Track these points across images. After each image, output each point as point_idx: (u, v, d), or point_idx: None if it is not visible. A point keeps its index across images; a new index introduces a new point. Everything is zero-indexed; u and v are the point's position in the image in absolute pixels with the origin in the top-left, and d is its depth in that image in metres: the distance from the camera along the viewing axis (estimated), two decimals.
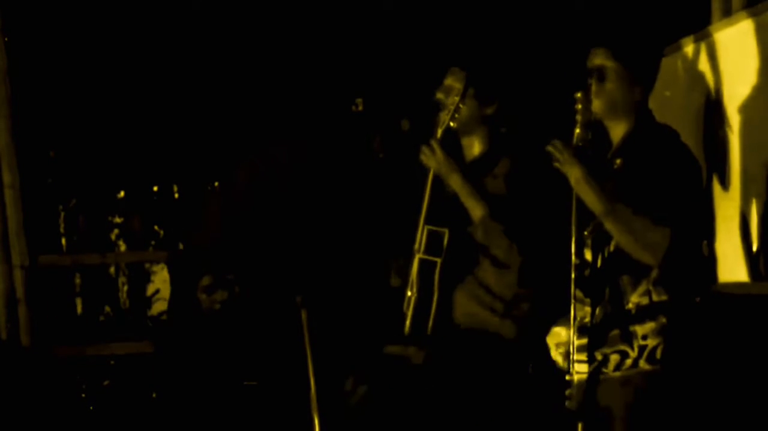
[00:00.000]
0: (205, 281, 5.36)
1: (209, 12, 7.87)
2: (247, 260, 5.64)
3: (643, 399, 3.86)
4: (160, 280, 10.49)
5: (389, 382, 4.66)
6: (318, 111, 6.58)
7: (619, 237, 3.80)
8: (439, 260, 4.60)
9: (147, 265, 10.62)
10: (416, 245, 4.64)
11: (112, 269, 10.46)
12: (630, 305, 3.86)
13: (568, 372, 3.89)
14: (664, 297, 3.84)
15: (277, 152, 6.40)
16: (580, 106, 3.82)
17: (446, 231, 4.59)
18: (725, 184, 4.67)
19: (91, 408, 8.48)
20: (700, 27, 4.99)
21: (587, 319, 3.86)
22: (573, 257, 3.83)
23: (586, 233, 3.87)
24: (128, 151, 8.96)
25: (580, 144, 3.80)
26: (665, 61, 5.08)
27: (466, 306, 4.62)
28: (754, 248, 4.51)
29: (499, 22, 7.35)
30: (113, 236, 10.50)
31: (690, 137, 4.40)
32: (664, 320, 3.84)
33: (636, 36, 4.01)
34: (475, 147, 4.67)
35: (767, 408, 4.34)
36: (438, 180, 4.63)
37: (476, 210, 4.51)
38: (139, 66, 8.24)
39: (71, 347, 7.37)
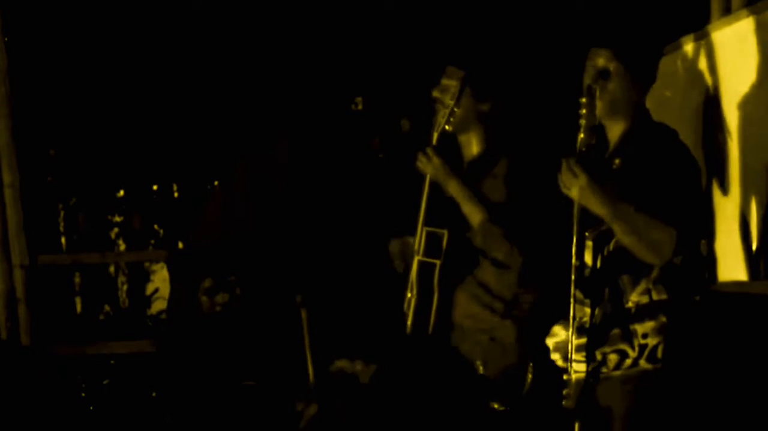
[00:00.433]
0: (207, 283, 5.37)
1: (209, 12, 7.87)
2: (247, 259, 5.64)
3: (643, 398, 3.86)
4: (160, 279, 10.49)
5: (337, 401, 4.64)
6: (318, 110, 6.58)
7: (624, 238, 3.78)
8: (438, 262, 4.60)
9: (146, 264, 10.62)
10: (415, 247, 4.65)
11: (111, 269, 10.47)
12: (629, 305, 3.86)
13: (566, 371, 3.89)
14: (663, 296, 3.84)
15: (277, 152, 6.40)
16: (584, 111, 3.77)
17: (445, 233, 4.60)
18: (725, 183, 4.67)
19: (91, 407, 8.47)
20: (699, 26, 4.99)
21: (586, 319, 3.86)
22: (573, 259, 3.82)
23: (587, 234, 3.86)
24: (128, 150, 8.97)
25: (584, 149, 3.76)
26: (665, 61, 5.07)
27: (466, 306, 4.62)
28: (754, 247, 4.51)
29: (498, 21, 7.35)
30: (113, 235, 10.50)
31: (689, 135, 4.40)
32: (664, 319, 3.84)
33: (636, 35, 4.00)
34: (473, 146, 4.67)
35: (765, 408, 4.34)
36: (435, 184, 4.63)
37: (474, 215, 4.51)
38: (138, 65, 8.24)
39: (71, 346, 7.37)
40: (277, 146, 6.45)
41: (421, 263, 4.65)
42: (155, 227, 10.17)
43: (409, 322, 4.68)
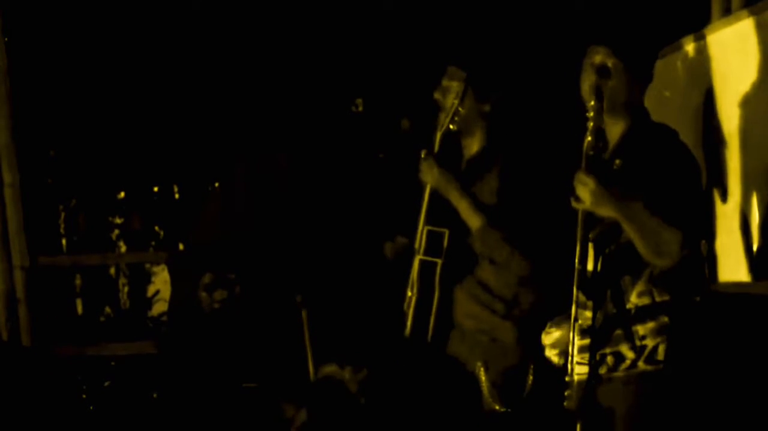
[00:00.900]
0: (207, 278, 5.37)
1: (209, 12, 7.87)
2: (247, 258, 5.64)
3: (644, 399, 3.86)
4: (161, 281, 10.48)
5: (325, 407, 4.63)
6: (318, 111, 6.58)
7: (636, 239, 3.76)
8: (439, 261, 4.60)
9: (147, 266, 10.61)
10: (416, 246, 4.65)
11: (112, 270, 10.46)
12: (629, 306, 3.86)
13: (564, 370, 3.89)
14: (666, 297, 3.84)
15: (277, 152, 6.40)
16: (592, 113, 3.74)
17: (446, 232, 4.59)
18: (725, 183, 4.67)
19: (92, 408, 8.47)
20: (699, 26, 4.99)
21: (587, 322, 3.85)
22: (576, 263, 3.81)
23: (591, 235, 3.84)
24: (128, 151, 8.96)
25: (591, 153, 3.73)
26: (665, 61, 5.09)
27: (466, 306, 4.62)
28: (755, 247, 4.51)
29: (498, 21, 7.35)
30: (113, 237, 10.50)
31: (689, 135, 4.40)
32: (664, 319, 3.84)
33: (636, 34, 3.99)
34: (473, 146, 4.68)
35: (766, 408, 4.34)
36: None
37: (473, 221, 4.51)
38: (139, 66, 8.24)
39: (72, 347, 7.37)
40: (277, 147, 6.46)
41: (422, 263, 4.65)
42: (156, 228, 10.16)
43: (409, 321, 4.68)
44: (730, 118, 4.65)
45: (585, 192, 3.68)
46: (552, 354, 4.00)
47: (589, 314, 3.83)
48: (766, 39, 4.45)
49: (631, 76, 3.91)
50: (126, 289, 10.60)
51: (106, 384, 8.75)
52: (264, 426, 5.23)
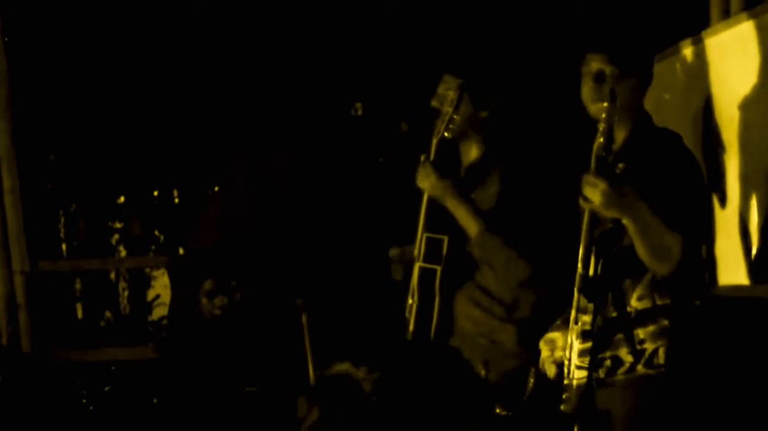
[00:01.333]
0: (208, 285, 5.37)
1: (208, 17, 7.87)
2: (248, 263, 5.64)
3: (643, 403, 3.86)
4: (161, 285, 10.47)
5: (339, 405, 4.63)
6: (318, 115, 6.58)
7: (638, 241, 3.75)
8: (439, 268, 4.59)
9: (147, 270, 10.60)
10: (416, 253, 4.65)
11: (112, 275, 10.45)
12: (629, 309, 3.86)
13: (562, 377, 3.89)
14: (666, 300, 3.84)
15: (277, 155, 6.40)
16: (604, 115, 3.73)
17: (445, 238, 4.59)
18: (725, 186, 4.67)
19: (92, 413, 8.47)
20: (698, 29, 4.99)
21: (587, 327, 3.85)
22: (579, 265, 3.81)
23: (596, 233, 3.84)
24: (128, 155, 8.96)
25: (603, 154, 3.72)
26: (665, 64, 5.09)
27: (466, 310, 4.61)
28: (754, 250, 4.51)
29: (497, 27, 7.35)
30: (113, 241, 10.49)
31: (689, 139, 4.40)
32: (664, 323, 3.84)
33: (633, 38, 4.00)
34: (472, 152, 4.67)
35: (766, 412, 4.34)
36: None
37: (471, 227, 4.51)
38: (139, 71, 8.24)
39: (72, 352, 7.36)
40: (278, 151, 6.46)
41: (422, 269, 4.64)
42: (156, 232, 10.16)
43: (410, 328, 4.68)
44: (729, 121, 4.65)
45: (595, 193, 3.67)
46: (547, 363, 4.01)
47: (587, 318, 3.83)
48: (765, 42, 4.45)
49: (630, 81, 3.91)
50: (126, 293, 10.60)
51: (107, 388, 8.74)
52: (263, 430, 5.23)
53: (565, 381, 3.87)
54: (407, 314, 4.70)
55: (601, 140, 3.70)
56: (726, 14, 5.01)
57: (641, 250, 3.75)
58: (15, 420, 6.47)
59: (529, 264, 4.48)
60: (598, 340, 3.84)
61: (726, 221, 4.66)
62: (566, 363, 3.88)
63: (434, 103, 4.64)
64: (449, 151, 4.72)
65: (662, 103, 5.00)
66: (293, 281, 6.10)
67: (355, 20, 7.62)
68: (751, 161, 4.54)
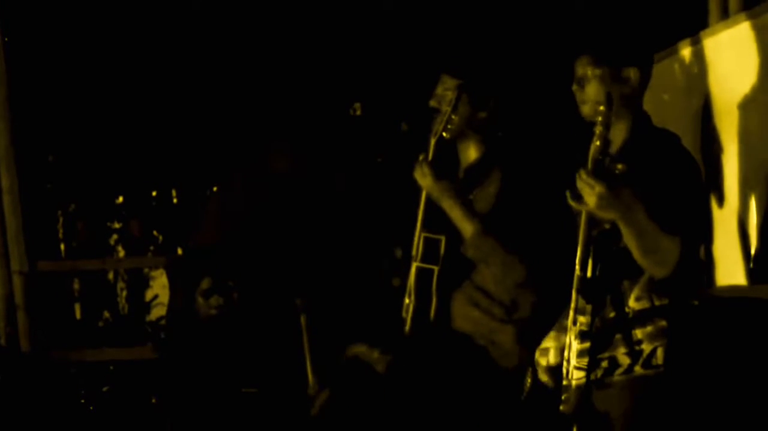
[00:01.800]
0: (204, 284, 5.37)
1: (207, 18, 7.87)
2: (246, 264, 5.64)
3: (641, 404, 3.86)
4: (159, 285, 10.49)
5: (352, 387, 4.63)
6: (317, 115, 6.58)
7: (632, 245, 3.76)
8: (436, 268, 4.59)
9: (146, 270, 10.61)
10: (413, 253, 4.64)
11: (110, 275, 10.46)
12: (627, 310, 3.86)
13: (561, 377, 3.89)
14: (665, 301, 3.84)
15: (276, 155, 6.40)
16: (600, 118, 3.74)
17: (443, 238, 4.59)
18: (723, 187, 4.66)
19: (90, 413, 8.47)
20: (697, 30, 4.98)
21: (585, 328, 3.85)
22: (577, 270, 3.81)
23: (594, 232, 3.84)
24: (127, 156, 8.96)
25: (600, 157, 3.72)
26: (663, 65, 5.08)
27: (464, 310, 4.61)
28: (752, 251, 4.51)
29: (497, 27, 7.35)
30: (112, 242, 10.50)
31: (688, 140, 4.40)
32: (662, 323, 3.84)
33: (621, 37, 4.01)
34: (470, 152, 4.67)
35: (764, 413, 4.34)
36: None
37: (467, 228, 4.50)
38: (138, 71, 8.24)
39: (70, 352, 7.36)
40: (277, 150, 6.45)
41: (419, 269, 4.64)
42: (154, 233, 10.16)
43: (407, 328, 4.68)
44: (728, 121, 4.64)
45: (591, 195, 3.67)
46: (540, 372, 4.01)
47: (585, 319, 3.84)
48: (764, 42, 4.45)
49: (625, 80, 3.93)
50: (124, 294, 10.61)
51: (105, 388, 8.74)
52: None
53: (564, 382, 3.87)
54: (404, 314, 4.70)
55: (598, 143, 3.70)
56: (725, 14, 5.00)
57: (636, 252, 3.75)
58: (14, 420, 6.46)
59: (526, 265, 4.47)
60: (596, 341, 3.84)
61: (725, 221, 4.66)
62: (565, 364, 3.88)
63: (432, 103, 4.64)
64: (448, 151, 4.72)
65: (661, 104, 5.00)
66: (292, 281, 6.10)
67: (355, 20, 7.63)
68: (750, 161, 4.54)
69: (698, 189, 3.97)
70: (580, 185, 3.68)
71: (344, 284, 5.87)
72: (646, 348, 3.84)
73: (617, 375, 3.87)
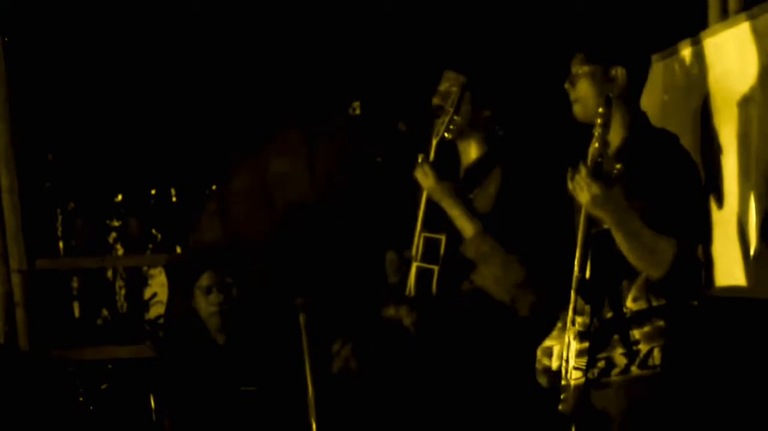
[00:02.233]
0: (204, 281, 5.37)
1: (205, 16, 7.87)
2: (246, 261, 5.64)
3: (638, 404, 3.87)
4: (158, 284, 10.48)
5: (380, 340, 4.65)
6: (315, 114, 6.58)
7: (625, 247, 3.77)
8: (436, 268, 4.59)
9: (144, 269, 10.60)
10: (413, 253, 4.64)
11: (109, 273, 10.45)
12: (625, 310, 3.87)
13: (559, 377, 3.90)
14: (662, 301, 3.85)
15: (277, 155, 6.40)
16: (600, 120, 3.75)
17: (443, 238, 4.59)
18: (723, 187, 4.67)
19: (89, 411, 8.46)
20: (697, 30, 4.99)
21: (583, 328, 3.85)
22: (576, 271, 3.81)
23: (593, 230, 3.85)
24: (126, 154, 8.96)
25: (599, 159, 3.73)
26: (663, 65, 5.09)
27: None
28: (751, 252, 4.51)
29: (499, 26, 7.35)
30: (111, 240, 10.49)
31: (687, 140, 4.40)
32: (659, 323, 3.84)
33: (608, 36, 4.03)
34: (471, 152, 4.67)
35: (763, 413, 4.34)
36: None
37: (467, 229, 4.51)
38: (137, 70, 8.23)
39: (69, 350, 7.36)
40: (277, 150, 6.45)
41: (419, 269, 4.64)
42: (153, 231, 10.15)
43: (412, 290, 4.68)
44: (727, 122, 4.65)
45: (586, 193, 3.68)
46: (539, 374, 4.02)
47: (581, 319, 3.84)
48: (763, 43, 4.45)
49: (616, 78, 3.94)
50: (123, 292, 10.60)
51: (103, 386, 8.74)
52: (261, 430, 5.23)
53: (563, 382, 3.87)
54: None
55: (597, 144, 3.71)
56: (724, 15, 5.00)
57: (628, 254, 3.76)
58: (12, 418, 6.46)
59: (525, 265, 4.48)
60: (594, 341, 3.85)
61: (724, 221, 4.66)
62: (563, 364, 3.88)
63: (436, 100, 4.64)
64: (450, 150, 4.72)
65: (661, 104, 5.00)
66: (291, 280, 6.11)
67: (355, 20, 7.62)
68: (749, 161, 4.54)
69: (696, 190, 3.98)
70: (577, 180, 3.70)
71: (344, 283, 5.88)
72: (643, 348, 3.85)
73: (614, 375, 3.87)
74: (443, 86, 4.63)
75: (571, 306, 3.83)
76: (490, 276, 4.53)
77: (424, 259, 4.62)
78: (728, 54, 4.69)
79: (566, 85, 4.05)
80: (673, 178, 3.84)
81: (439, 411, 4.48)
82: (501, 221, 4.48)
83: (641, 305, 3.87)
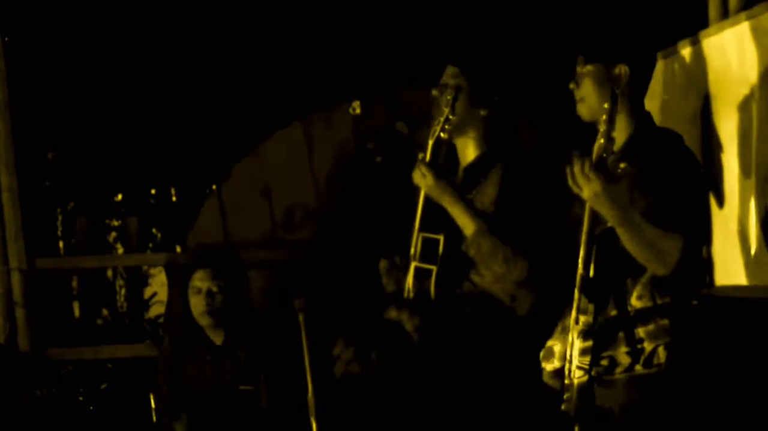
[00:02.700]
0: (195, 281, 5.37)
1: (206, 17, 7.87)
2: (245, 262, 5.64)
3: (642, 402, 3.87)
4: (158, 283, 10.49)
5: (381, 345, 4.64)
6: (315, 114, 6.58)
7: (630, 246, 3.77)
8: (434, 268, 4.58)
9: (145, 268, 10.60)
10: (411, 253, 4.63)
11: (109, 273, 10.45)
12: (629, 308, 3.87)
13: (563, 376, 3.89)
14: (667, 300, 3.85)
15: (276, 154, 6.40)
16: (605, 117, 3.75)
17: (441, 238, 4.58)
18: (723, 187, 4.67)
19: (89, 411, 8.47)
20: (697, 29, 4.99)
21: (587, 327, 3.85)
22: (579, 266, 3.81)
23: (597, 230, 3.85)
24: (126, 154, 8.96)
25: (605, 155, 3.73)
26: (663, 64, 5.08)
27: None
28: (752, 251, 4.51)
29: (498, 25, 7.35)
30: (111, 239, 10.50)
31: (687, 139, 4.40)
32: (664, 322, 3.84)
33: (609, 35, 4.03)
34: (469, 151, 4.66)
35: (763, 412, 4.34)
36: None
37: (468, 227, 4.50)
38: (137, 69, 8.23)
39: (69, 350, 7.36)
40: (277, 150, 6.45)
41: (417, 269, 4.63)
42: (153, 230, 10.16)
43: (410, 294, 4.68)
44: (727, 121, 4.65)
45: (587, 188, 3.69)
46: (546, 377, 4.02)
47: (584, 318, 3.84)
48: (763, 42, 4.45)
49: (617, 78, 3.95)
50: (123, 291, 10.61)
51: (103, 386, 8.74)
52: (260, 429, 5.23)
53: (566, 381, 3.87)
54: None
55: (602, 140, 3.71)
56: (724, 15, 5.00)
57: (633, 252, 3.77)
58: (12, 418, 6.46)
59: (526, 264, 4.47)
60: (598, 339, 3.85)
61: (724, 221, 4.66)
62: (567, 363, 3.88)
63: (435, 92, 4.63)
64: (447, 150, 4.71)
65: (661, 104, 5.00)
66: (291, 281, 6.10)
67: (354, 19, 7.62)
68: (749, 161, 4.54)
69: (700, 188, 3.99)
70: (577, 174, 3.70)
71: (343, 283, 5.88)
72: (648, 346, 3.84)
73: (618, 374, 3.87)
74: (443, 80, 4.63)
75: (575, 305, 3.83)
76: (490, 275, 4.52)
77: (422, 259, 4.61)
78: (728, 53, 4.69)
79: (571, 86, 4.05)
80: (678, 177, 3.85)
81: (442, 414, 4.48)
82: (501, 220, 4.48)
83: (645, 303, 3.87)
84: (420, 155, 4.60)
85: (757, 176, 4.47)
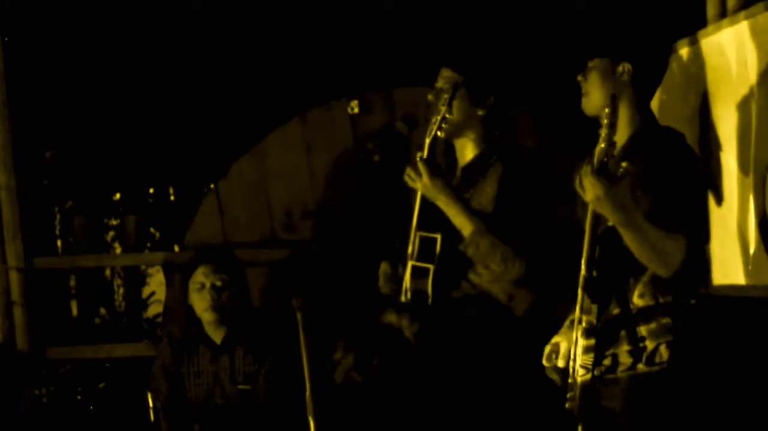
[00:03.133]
0: (197, 277, 5.37)
1: (205, 17, 7.86)
2: (244, 261, 5.64)
3: (644, 400, 3.87)
4: (156, 282, 10.47)
5: (382, 352, 4.65)
6: (314, 113, 6.58)
7: (634, 246, 3.78)
8: (431, 267, 4.59)
9: (143, 267, 10.60)
10: (409, 252, 4.64)
11: (107, 272, 10.44)
12: (632, 306, 3.87)
13: (567, 375, 3.90)
14: (668, 298, 3.85)
15: (276, 154, 6.40)
16: (606, 120, 3.76)
17: (438, 237, 4.59)
18: (722, 186, 4.67)
19: (87, 410, 8.46)
20: (695, 29, 4.99)
21: (589, 326, 3.86)
22: (582, 265, 3.82)
23: (599, 230, 3.86)
24: (124, 153, 8.95)
25: (605, 159, 3.74)
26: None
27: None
28: (751, 250, 4.52)
29: (497, 25, 7.35)
30: (109, 238, 10.49)
31: (687, 138, 4.40)
32: (665, 320, 3.85)
33: (616, 31, 4.04)
34: (467, 150, 4.67)
35: (763, 412, 4.34)
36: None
37: (466, 227, 4.50)
38: (136, 68, 8.23)
39: (67, 349, 7.35)
40: (276, 149, 6.45)
41: (414, 268, 4.64)
42: (151, 230, 10.15)
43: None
44: (726, 121, 4.65)
45: (591, 193, 3.70)
46: (549, 372, 4.02)
47: (587, 318, 3.84)
48: (762, 42, 4.46)
49: (619, 76, 3.95)
50: (121, 291, 10.60)
51: (101, 385, 8.74)
52: (259, 429, 5.23)
53: (569, 380, 3.88)
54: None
55: (603, 144, 3.72)
56: (723, 14, 5.00)
57: (637, 253, 3.77)
58: (10, 417, 6.46)
59: (524, 263, 4.48)
60: (601, 338, 3.85)
61: (724, 221, 4.66)
62: (570, 362, 3.89)
63: (430, 97, 4.64)
64: (446, 149, 4.71)
65: (660, 103, 5.00)
66: (289, 279, 6.10)
67: (353, 18, 7.62)
68: (748, 160, 4.54)
69: (701, 189, 3.99)
70: (583, 178, 3.71)
71: (341, 282, 5.88)
72: (650, 345, 3.85)
73: (620, 372, 3.88)
74: (438, 84, 4.64)
75: (578, 305, 3.83)
76: (488, 274, 4.53)
77: (419, 258, 4.61)
78: (726, 53, 4.69)
79: (579, 78, 4.06)
80: (680, 177, 3.85)
81: (443, 418, 4.48)
82: (500, 219, 4.48)
83: (647, 301, 3.87)
84: (418, 155, 4.61)
85: (755, 175, 4.47)
